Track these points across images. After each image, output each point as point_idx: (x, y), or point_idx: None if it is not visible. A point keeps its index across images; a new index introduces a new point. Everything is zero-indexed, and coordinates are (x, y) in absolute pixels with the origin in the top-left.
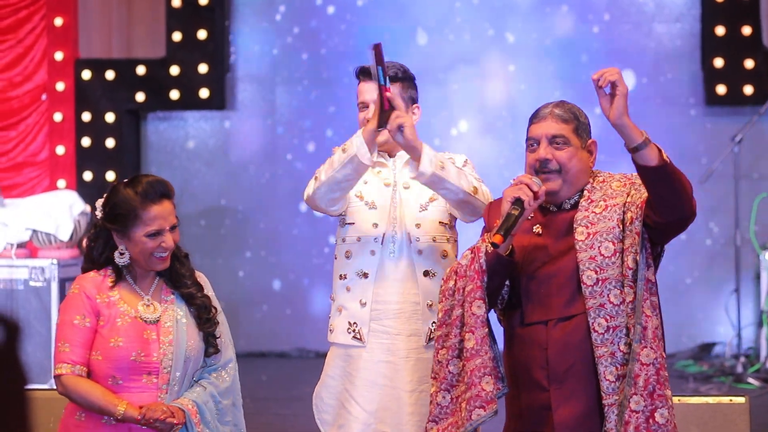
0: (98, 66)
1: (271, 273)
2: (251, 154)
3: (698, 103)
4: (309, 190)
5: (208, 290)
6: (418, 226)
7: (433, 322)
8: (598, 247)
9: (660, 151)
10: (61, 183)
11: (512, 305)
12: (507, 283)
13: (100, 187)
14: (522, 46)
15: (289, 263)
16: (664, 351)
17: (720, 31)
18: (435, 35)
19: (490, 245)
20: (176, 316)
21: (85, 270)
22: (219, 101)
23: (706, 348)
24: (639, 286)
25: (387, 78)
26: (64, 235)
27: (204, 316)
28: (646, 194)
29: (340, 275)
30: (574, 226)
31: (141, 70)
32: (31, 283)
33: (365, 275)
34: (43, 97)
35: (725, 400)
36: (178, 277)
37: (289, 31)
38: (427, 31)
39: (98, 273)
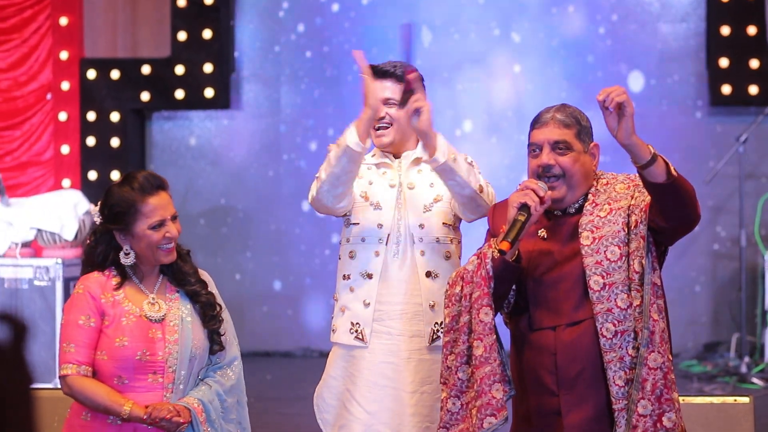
0: (103, 65)
1: (274, 272)
2: (256, 154)
3: (703, 103)
4: (312, 191)
5: (212, 287)
6: (421, 226)
7: (436, 323)
8: (604, 251)
9: (667, 164)
10: (66, 182)
11: (519, 309)
12: (513, 287)
13: (104, 187)
14: (528, 47)
15: (292, 263)
16: (671, 354)
17: (725, 31)
18: (440, 34)
19: (497, 251)
20: (181, 314)
21: (86, 273)
22: (224, 101)
23: (711, 348)
24: (645, 290)
25: (413, 62)
26: (69, 235)
27: (209, 313)
28: (648, 198)
29: (344, 275)
30: (579, 230)
31: (146, 69)
32: (36, 283)
33: (369, 276)
34: (48, 96)
35: (729, 400)
36: (181, 274)
37: (293, 29)
38: (432, 31)
39: (102, 273)
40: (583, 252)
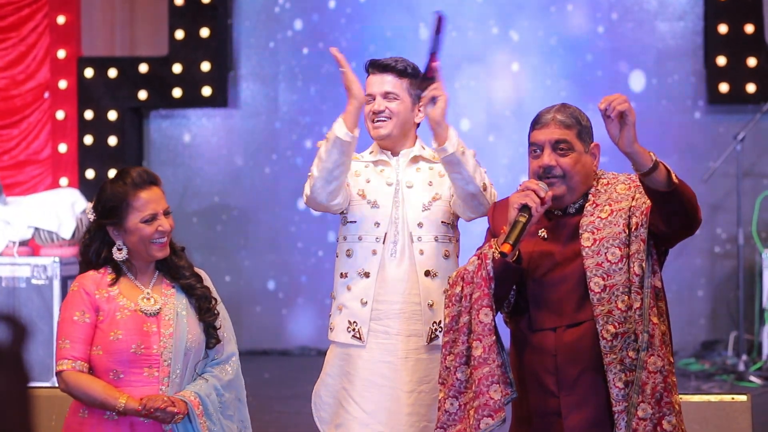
0: (101, 64)
1: (271, 271)
2: (254, 152)
3: (701, 102)
4: (306, 190)
5: (207, 282)
6: (420, 225)
7: (434, 322)
8: (605, 253)
9: (669, 171)
10: (64, 181)
11: (519, 309)
12: (514, 287)
13: None
14: (527, 45)
15: (290, 261)
16: (672, 356)
17: (723, 29)
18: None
19: (497, 253)
20: (177, 308)
21: (83, 271)
22: (221, 99)
23: (708, 346)
24: (645, 293)
25: (439, 51)
26: (66, 233)
27: (204, 306)
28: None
29: (341, 273)
30: (580, 231)
31: (143, 68)
32: (33, 281)
33: (366, 275)
34: (46, 95)
35: (727, 398)
36: (176, 269)
37: (291, 26)
38: (430, 29)
39: (97, 271)
40: (584, 253)
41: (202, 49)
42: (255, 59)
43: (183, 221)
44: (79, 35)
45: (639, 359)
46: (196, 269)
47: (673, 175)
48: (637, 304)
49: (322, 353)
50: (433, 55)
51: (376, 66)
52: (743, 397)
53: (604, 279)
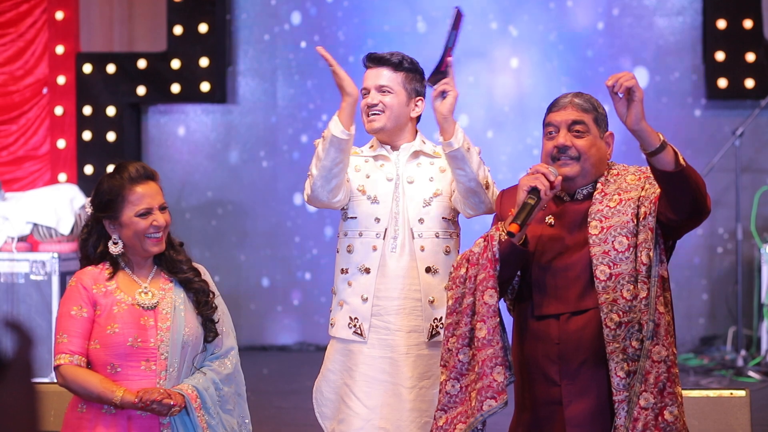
0: (99, 60)
1: (270, 266)
2: (252, 148)
3: (699, 97)
4: (307, 189)
5: (206, 277)
6: (421, 221)
7: (435, 319)
8: (612, 241)
9: (676, 153)
10: (62, 177)
11: (522, 296)
12: (518, 273)
13: None
14: (526, 41)
15: (289, 256)
16: (675, 347)
17: (721, 24)
18: (437, 27)
19: (504, 234)
20: (174, 302)
21: (82, 267)
22: (220, 95)
23: (707, 341)
24: (653, 282)
25: (454, 47)
26: (65, 229)
27: (202, 300)
28: (659, 190)
29: (342, 269)
30: (588, 219)
31: (142, 63)
32: (32, 277)
33: (367, 270)
34: (44, 90)
35: (726, 393)
36: (174, 263)
37: (288, 19)
38: (428, 23)
39: (96, 267)
40: (591, 241)
41: (201, 45)
42: (253, 54)
43: (180, 217)
44: (77, 31)
45: (643, 348)
46: (195, 264)
47: (681, 157)
48: (643, 294)
49: (320, 349)
50: (448, 49)
51: (372, 59)
52: (742, 393)
53: (610, 267)
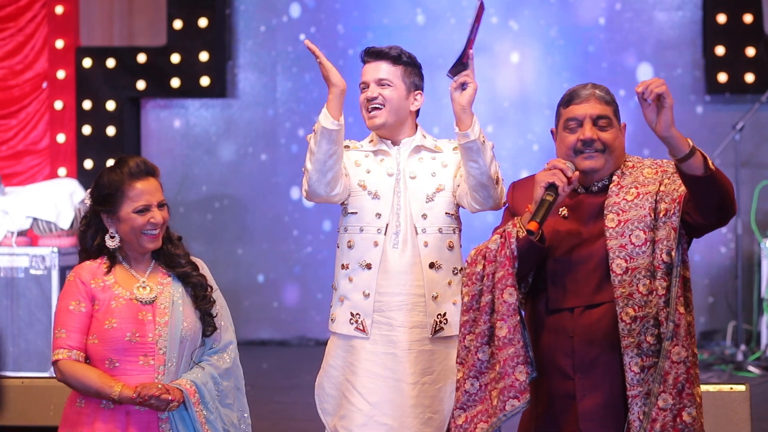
0: (99, 54)
1: (270, 260)
2: (252, 142)
3: (699, 91)
4: (304, 185)
5: (204, 271)
6: (424, 217)
7: (439, 314)
8: (629, 235)
9: (705, 158)
10: (62, 171)
11: (536, 288)
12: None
13: None
14: (527, 36)
15: (287, 250)
16: (696, 348)
17: (721, 18)
18: (436, 20)
19: (522, 231)
20: (172, 297)
21: (81, 261)
22: (220, 89)
23: (707, 336)
24: (674, 282)
25: (475, 40)
26: (65, 224)
27: (200, 294)
28: (682, 187)
29: (343, 265)
30: (605, 212)
31: (142, 58)
32: (32, 271)
33: (368, 266)
34: (44, 85)
35: (726, 388)
36: (172, 257)
37: (287, 12)
38: (427, 16)
39: (94, 261)
40: (608, 234)
41: (201, 39)
42: (253, 48)
43: (180, 211)
44: (77, 25)
45: (663, 348)
46: (193, 258)
47: (710, 162)
48: (661, 291)
49: (320, 343)
50: (470, 42)
51: (371, 53)
52: (742, 387)
53: (626, 261)
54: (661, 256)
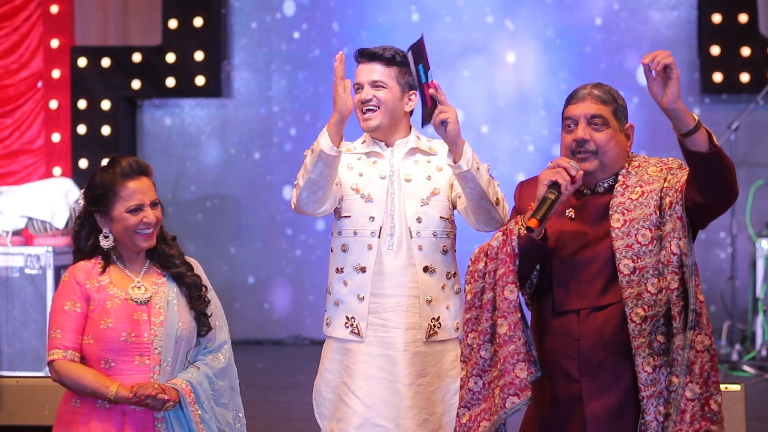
0: (94, 53)
1: (265, 260)
2: (247, 142)
3: (694, 91)
4: (293, 198)
5: (199, 271)
6: (419, 220)
7: (433, 319)
8: (635, 234)
9: (710, 134)
10: (57, 170)
11: (542, 290)
12: (537, 266)
13: None
14: (523, 36)
15: (283, 250)
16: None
17: (717, 18)
18: (431, 18)
19: (523, 228)
20: (167, 297)
21: (76, 261)
22: (215, 89)
23: None
24: (690, 271)
25: (428, 74)
26: (60, 223)
27: (195, 294)
28: (684, 178)
29: (337, 268)
30: (610, 212)
31: (137, 57)
32: (27, 271)
33: (363, 269)
34: (39, 84)
35: (721, 387)
36: (166, 257)
37: (281, 10)
38: (422, 14)
39: (88, 261)
40: (614, 235)
41: (196, 39)
42: (247, 46)
43: (175, 210)
44: (72, 25)
45: (686, 338)
46: (187, 258)
47: (714, 139)
48: (674, 285)
49: (315, 343)
50: (423, 85)
51: (365, 55)
52: (737, 387)
53: (633, 261)
54: (670, 249)
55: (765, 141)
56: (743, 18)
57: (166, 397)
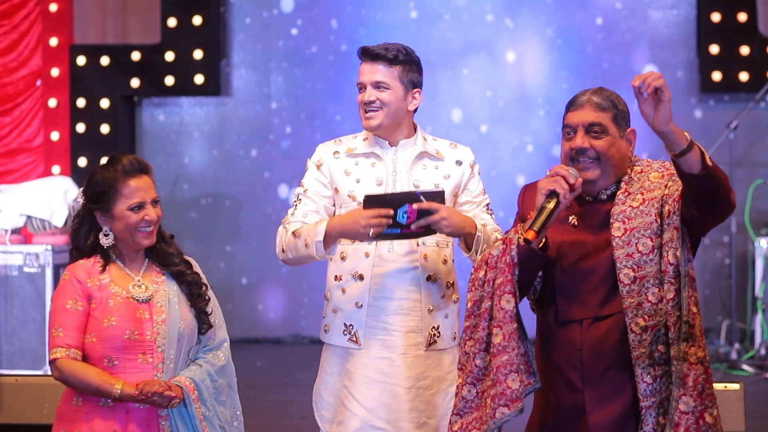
0: (93, 52)
1: (264, 258)
2: (247, 140)
3: (693, 90)
4: (278, 248)
5: (197, 269)
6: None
7: (433, 328)
8: (636, 243)
9: (703, 153)
10: (56, 169)
11: (545, 299)
12: (540, 274)
13: None
14: (523, 35)
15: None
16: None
17: (716, 17)
18: (430, 15)
19: (522, 239)
20: (168, 295)
21: (73, 260)
22: (214, 87)
23: None
24: (683, 282)
25: (409, 205)
26: (59, 221)
27: (195, 292)
28: (681, 185)
29: (335, 276)
30: (611, 221)
31: (136, 55)
32: (26, 269)
33: (360, 277)
34: (38, 82)
35: (720, 386)
36: (165, 256)
37: (278, 6)
38: (420, 11)
39: (88, 260)
40: (614, 244)
41: (195, 37)
42: (245, 44)
43: (174, 209)
44: (71, 23)
45: (679, 350)
46: (185, 256)
47: (707, 157)
48: (670, 294)
49: (314, 342)
50: (410, 216)
51: (367, 54)
52: (736, 386)
53: (634, 270)
54: (667, 259)
55: (764, 140)
56: (742, 17)
57: (173, 394)
